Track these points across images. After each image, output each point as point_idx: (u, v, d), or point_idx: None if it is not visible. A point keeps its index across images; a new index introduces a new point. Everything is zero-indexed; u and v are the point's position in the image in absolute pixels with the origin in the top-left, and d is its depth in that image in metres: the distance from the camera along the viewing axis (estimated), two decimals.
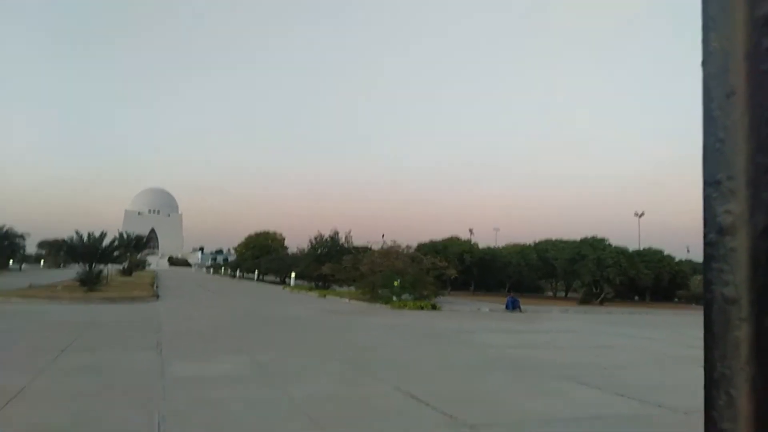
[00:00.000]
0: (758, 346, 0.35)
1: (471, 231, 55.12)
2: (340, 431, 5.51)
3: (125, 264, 45.89)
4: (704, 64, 0.40)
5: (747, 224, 0.36)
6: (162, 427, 5.33)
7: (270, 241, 76.31)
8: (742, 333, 0.36)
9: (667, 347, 14.43)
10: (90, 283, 24.32)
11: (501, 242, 56.32)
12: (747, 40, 0.37)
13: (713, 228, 0.39)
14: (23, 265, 64.14)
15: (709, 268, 0.39)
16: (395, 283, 26.28)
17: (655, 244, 45.28)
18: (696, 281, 43.06)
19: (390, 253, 30.02)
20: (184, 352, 9.98)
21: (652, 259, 38.97)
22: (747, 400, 0.36)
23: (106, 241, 27.36)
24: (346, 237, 39.07)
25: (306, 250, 42.64)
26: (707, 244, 0.39)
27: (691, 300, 41.74)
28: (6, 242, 53.27)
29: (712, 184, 0.39)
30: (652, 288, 41.48)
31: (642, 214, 55.97)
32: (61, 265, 65.32)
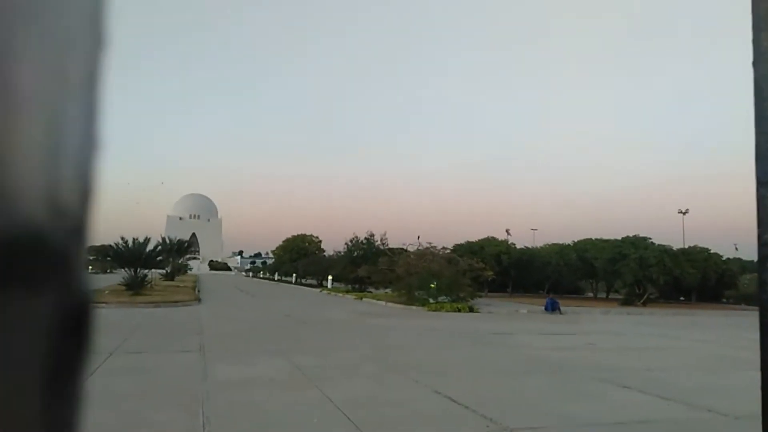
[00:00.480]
0: None
1: (508, 231, 54.45)
2: None
3: (168, 268, 47.11)
4: (755, 64, 0.40)
5: None
6: (206, 428, 5.46)
7: (307, 244, 77.06)
8: None
9: (715, 349, 13.93)
10: (135, 287, 25.09)
11: (539, 242, 55.53)
12: None
13: (767, 228, 0.38)
14: None
15: (765, 269, 0.38)
16: (431, 285, 26.18)
17: (701, 243, 43.76)
18: (745, 280, 41.42)
19: (426, 254, 29.93)
20: (226, 354, 10.19)
21: (697, 257, 37.68)
22: None
23: (149, 247, 28.21)
24: (381, 239, 39.18)
25: (342, 252, 42.93)
26: (762, 244, 0.39)
27: (740, 300, 40.15)
28: None
29: (765, 183, 0.39)
30: (699, 288, 40.13)
31: (686, 211, 54.25)
32: (108, 270, 67.60)
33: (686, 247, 39.96)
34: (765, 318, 0.38)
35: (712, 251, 40.00)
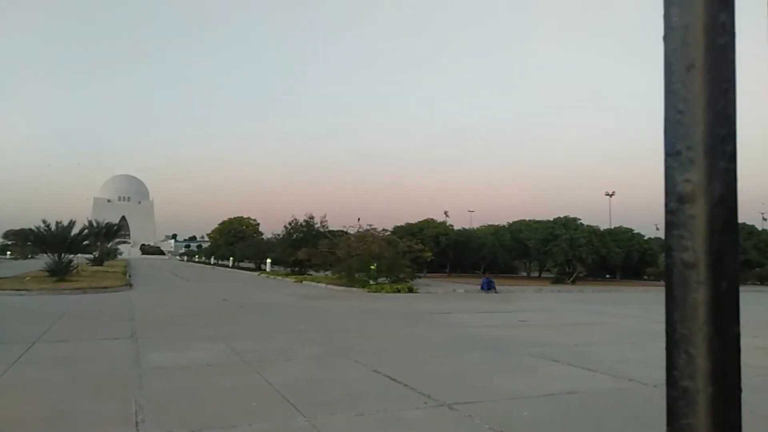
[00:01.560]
0: (715, 307, 0.38)
1: (446, 213, 55.66)
2: (320, 414, 5.55)
3: (96, 253, 45.02)
4: (666, 38, 0.42)
5: (705, 192, 0.38)
6: (139, 415, 5.30)
7: (244, 227, 75.54)
8: (700, 295, 0.38)
9: (637, 323, 14.86)
10: (59, 273, 23.79)
11: (476, 224, 56.94)
12: (705, 14, 0.39)
13: (674, 197, 0.40)
14: None
15: (670, 235, 0.41)
16: (372, 267, 26.39)
17: (626, 224, 46.25)
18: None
19: (366, 236, 30.06)
20: (160, 340, 9.88)
21: (622, 237, 39.92)
22: (705, 358, 0.38)
23: (75, 230, 26.75)
24: (321, 221, 38.95)
25: (281, 235, 42.40)
26: (668, 212, 0.41)
27: (659, 277, 42.92)
28: None
29: (672, 154, 0.41)
30: (623, 266, 42.55)
31: (613, 193, 57.17)
32: (29, 255, 63.72)
33: (612, 227, 42.20)
34: (671, 281, 0.41)
35: (635, 231, 42.50)
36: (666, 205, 0.41)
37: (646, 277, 46.26)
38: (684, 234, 0.40)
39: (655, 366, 8.30)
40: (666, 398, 0.40)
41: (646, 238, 44.49)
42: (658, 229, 58.46)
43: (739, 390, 0.38)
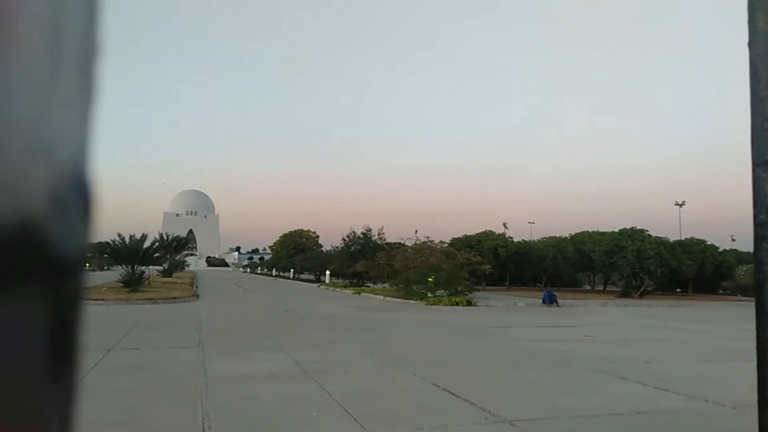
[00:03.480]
0: None
1: (505, 225, 54.61)
2: (379, 427, 5.55)
3: (165, 265, 47.04)
4: (751, 44, 0.40)
5: None
6: (206, 422, 5.47)
7: (304, 239, 76.98)
8: None
9: (712, 340, 14.00)
10: (132, 284, 25.06)
11: (536, 236, 55.61)
12: None
13: (764, 208, 0.38)
14: None
15: (760, 249, 0.39)
16: (429, 279, 26.22)
17: (698, 235, 43.90)
18: (741, 271, 41.54)
19: (423, 248, 29.95)
20: (225, 349, 10.20)
21: (694, 249, 37.77)
22: None
23: (146, 243, 28.15)
24: (378, 233, 39.19)
25: (339, 247, 42.93)
26: (758, 224, 0.39)
27: (736, 291, 40.26)
28: None
29: (761, 164, 0.39)
30: (695, 279, 40.26)
31: (683, 203, 54.45)
32: (105, 267, 67.47)
33: (683, 239, 40.06)
34: (761, 298, 0.39)
35: (708, 243, 40.12)
36: (755, 217, 0.39)
37: (721, 291, 43.53)
38: None
39: (732, 386, 7.78)
40: (758, 420, 0.38)
41: (720, 249, 41.92)
42: (734, 240, 55.08)
43: None
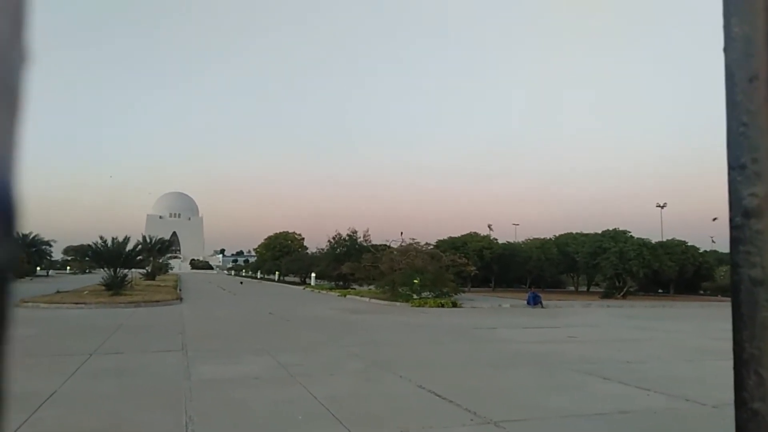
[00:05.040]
0: None
1: (490, 227, 54.70)
2: (364, 429, 5.54)
3: (149, 268, 46.51)
4: (726, 49, 0.41)
5: None
6: (190, 427, 5.41)
7: (289, 242, 76.68)
8: None
9: (692, 340, 14.20)
10: (115, 287, 24.75)
11: (521, 238, 55.93)
12: None
13: (739, 211, 0.39)
14: (50, 272, 65.67)
15: (736, 251, 0.39)
16: (415, 281, 26.26)
17: (679, 236, 44.41)
18: (721, 272, 42.16)
19: (409, 250, 29.99)
20: (209, 353, 10.11)
21: (675, 250, 38.27)
22: None
23: (129, 246, 27.82)
24: (364, 236, 39.17)
25: (325, 249, 42.82)
26: (733, 227, 0.40)
27: (716, 292, 40.86)
28: (33, 249, 54.50)
29: (736, 168, 0.40)
30: (676, 280, 40.80)
31: (664, 205, 55.14)
32: (87, 270, 66.60)
33: (664, 240, 40.59)
34: (738, 299, 0.39)
35: (689, 244, 40.68)
36: (731, 220, 0.40)
37: (702, 291, 44.15)
38: (751, 250, 0.38)
39: (713, 385, 7.90)
40: (735, 420, 0.39)
41: (701, 251, 42.52)
42: (714, 242, 55.94)
43: None
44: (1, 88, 0.33)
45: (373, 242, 38.29)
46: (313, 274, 44.32)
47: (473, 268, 31.86)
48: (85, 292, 24.58)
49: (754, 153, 0.38)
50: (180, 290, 31.76)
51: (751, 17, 0.38)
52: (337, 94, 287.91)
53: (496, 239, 45.99)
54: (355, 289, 35.29)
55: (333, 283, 40.64)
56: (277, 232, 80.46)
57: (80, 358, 9.03)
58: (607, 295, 34.90)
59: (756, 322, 0.37)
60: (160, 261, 55.34)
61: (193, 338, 12.02)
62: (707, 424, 6.10)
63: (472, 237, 43.24)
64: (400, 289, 26.95)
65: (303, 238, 78.18)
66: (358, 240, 38.99)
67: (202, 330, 13.90)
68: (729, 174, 0.40)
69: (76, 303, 20.13)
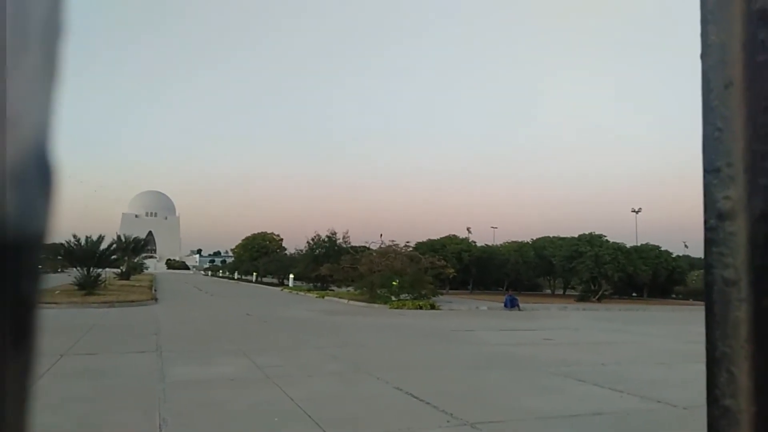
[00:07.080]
0: (757, 325, 0.37)
1: (469, 230, 55.11)
2: (341, 431, 5.52)
3: (123, 267, 45.74)
4: (703, 56, 0.42)
5: (745, 209, 0.38)
6: (163, 429, 5.34)
7: (268, 242, 76.20)
8: (741, 313, 0.38)
9: (665, 343, 14.48)
10: (88, 287, 24.27)
11: (499, 240, 56.37)
12: (744, 32, 0.39)
13: (713, 214, 0.40)
14: None
15: (710, 252, 0.40)
16: (393, 283, 26.29)
17: (653, 240, 45.22)
18: (694, 276, 43.09)
19: (388, 252, 30.01)
20: (184, 354, 9.97)
21: (649, 255, 39.02)
22: (747, 377, 0.37)
23: (103, 245, 27.32)
24: (343, 237, 39.08)
25: (304, 250, 42.60)
26: (708, 229, 0.41)
27: (689, 296, 41.77)
28: None
29: (711, 171, 0.41)
30: (650, 284, 41.55)
31: (639, 210, 56.23)
32: (59, 269, 65.19)
33: (639, 244, 41.33)
34: (711, 299, 0.40)
35: (663, 248, 41.51)
36: (705, 222, 0.41)
37: (674, 295, 45.09)
38: (724, 251, 0.39)
39: (685, 387, 8.06)
40: (707, 417, 0.40)
41: (674, 255, 43.40)
42: (686, 246, 57.13)
43: None
44: (43, 59, 0.33)
45: (353, 244, 38.24)
46: (291, 276, 44.04)
47: (452, 270, 32.02)
48: (57, 292, 24.04)
49: (729, 157, 0.40)
50: (155, 290, 31.27)
51: (728, 25, 0.39)
52: (317, 96, 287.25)
53: (475, 242, 46.38)
54: (333, 290, 35.17)
55: (311, 284, 40.44)
56: (256, 232, 79.94)
57: (50, 359, 8.83)
58: (582, 299, 35.39)
59: (728, 322, 0.39)
60: (135, 260, 54.36)
61: (168, 339, 11.85)
62: (678, 425, 6.22)
63: (451, 239, 43.46)
64: (378, 291, 26.96)
65: (282, 239, 77.84)
66: (338, 241, 38.88)
67: (177, 331, 13.71)
68: (704, 177, 0.41)
69: (47, 303, 19.67)
